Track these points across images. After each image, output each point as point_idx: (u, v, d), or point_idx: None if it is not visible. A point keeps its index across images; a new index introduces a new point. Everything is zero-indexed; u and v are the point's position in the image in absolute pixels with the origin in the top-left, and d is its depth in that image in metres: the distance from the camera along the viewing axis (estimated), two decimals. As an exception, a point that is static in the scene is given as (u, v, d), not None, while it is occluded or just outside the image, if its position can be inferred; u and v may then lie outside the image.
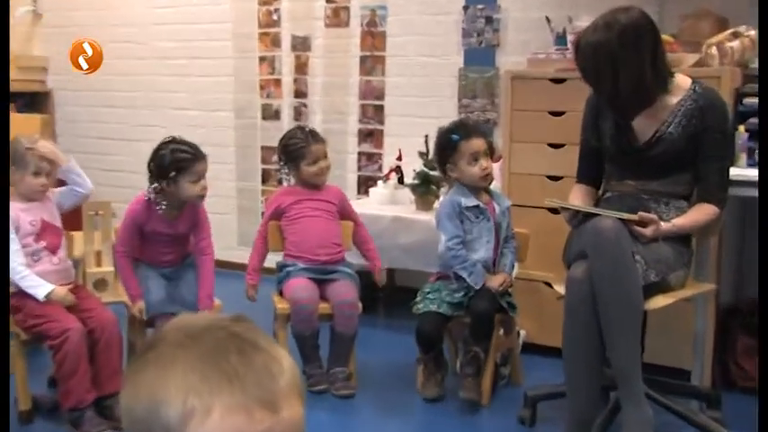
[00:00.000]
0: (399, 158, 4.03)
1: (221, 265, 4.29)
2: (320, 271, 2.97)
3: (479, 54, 3.95)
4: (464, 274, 2.71)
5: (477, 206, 2.72)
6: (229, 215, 4.86)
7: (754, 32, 2.90)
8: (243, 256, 4.85)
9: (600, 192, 2.73)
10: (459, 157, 2.72)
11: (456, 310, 2.73)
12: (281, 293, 2.99)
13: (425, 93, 4.17)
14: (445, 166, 2.78)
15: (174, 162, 2.71)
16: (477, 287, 2.69)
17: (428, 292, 2.78)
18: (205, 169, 2.80)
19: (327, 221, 3.04)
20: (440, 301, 2.72)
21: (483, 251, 2.73)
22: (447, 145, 2.76)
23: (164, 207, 2.75)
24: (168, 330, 0.83)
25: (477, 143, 2.73)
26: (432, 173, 3.62)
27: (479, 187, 2.75)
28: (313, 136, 3.03)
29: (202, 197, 2.80)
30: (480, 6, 3.93)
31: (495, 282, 2.70)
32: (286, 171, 3.08)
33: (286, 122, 4.60)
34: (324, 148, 3.05)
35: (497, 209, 2.75)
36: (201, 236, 2.88)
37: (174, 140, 2.80)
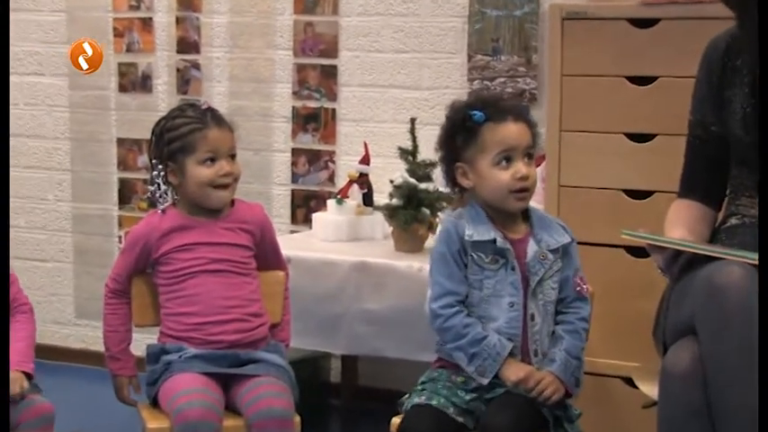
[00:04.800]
0: (366, 161, 4.04)
1: (48, 352, 4.27)
2: (225, 360, 2.94)
3: (505, -23, 4.01)
4: (461, 360, 2.70)
5: (494, 242, 2.72)
6: (62, 264, 4.84)
7: None
8: (86, 336, 4.90)
9: (720, 216, 2.75)
10: (481, 153, 2.72)
11: (463, 416, 2.72)
12: (154, 401, 2.97)
13: (410, 45, 4.20)
14: (454, 165, 2.78)
15: None
16: (486, 381, 2.68)
17: (422, 383, 2.78)
18: None
19: (231, 278, 3.03)
20: (433, 394, 2.71)
21: (503, 319, 2.72)
22: (462, 128, 2.76)
23: None
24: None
25: (515, 131, 2.72)
26: (423, 185, 3.63)
27: (508, 210, 2.76)
28: (213, 117, 3.03)
29: None
30: None
31: (511, 372, 2.68)
32: (162, 181, 3.06)
33: (162, 97, 4.59)
34: (230, 139, 3.03)
35: (532, 249, 2.75)
36: None
37: None
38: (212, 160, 2.97)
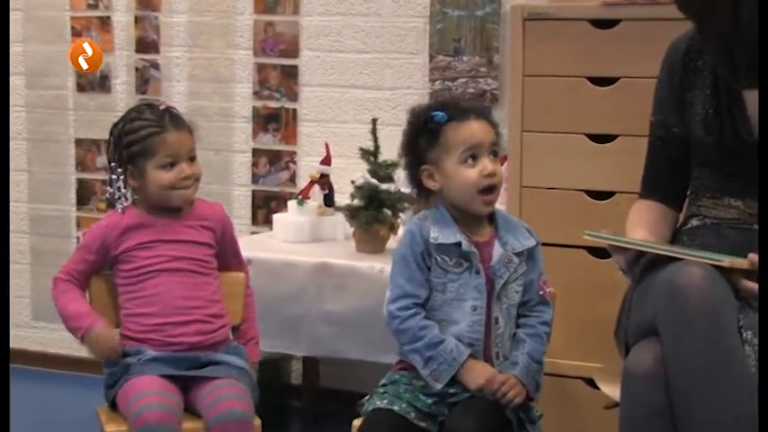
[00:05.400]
0: (327, 161, 4.04)
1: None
2: (185, 362, 2.93)
3: (466, -23, 4.02)
4: (417, 363, 2.70)
5: (459, 245, 2.72)
6: (19, 266, 4.80)
7: None
8: (43, 338, 4.87)
9: (681, 217, 2.77)
10: (446, 152, 2.72)
11: (425, 420, 2.71)
12: (112, 404, 2.95)
13: (372, 45, 4.21)
14: (419, 169, 2.78)
15: None
16: (439, 386, 2.68)
17: (383, 385, 2.77)
18: None
19: (191, 277, 3.03)
20: (395, 398, 2.70)
21: (465, 323, 2.72)
22: (424, 131, 2.75)
23: None
24: None
25: (479, 129, 2.73)
26: (384, 186, 3.63)
27: (475, 213, 2.76)
28: (172, 119, 3.02)
29: None
30: None
31: (473, 377, 2.68)
32: (121, 185, 3.05)
33: (121, 97, 4.57)
34: (189, 141, 3.03)
35: (497, 252, 2.75)
36: None
37: None
38: (172, 164, 2.97)
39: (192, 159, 3.02)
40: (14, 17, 4.65)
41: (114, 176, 3.02)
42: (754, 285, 2.39)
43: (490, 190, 2.69)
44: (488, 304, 2.70)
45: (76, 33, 4.60)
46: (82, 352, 4.58)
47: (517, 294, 2.75)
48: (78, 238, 4.60)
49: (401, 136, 2.81)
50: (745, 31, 2.40)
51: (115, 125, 3.07)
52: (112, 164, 3.04)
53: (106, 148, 3.12)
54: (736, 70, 2.51)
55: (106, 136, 3.12)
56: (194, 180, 3.02)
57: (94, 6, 4.58)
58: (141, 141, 2.97)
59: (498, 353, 2.72)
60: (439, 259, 2.70)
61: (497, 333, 2.72)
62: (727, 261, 2.36)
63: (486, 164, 2.68)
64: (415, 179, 2.79)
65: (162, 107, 3.05)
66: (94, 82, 4.61)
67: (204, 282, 3.04)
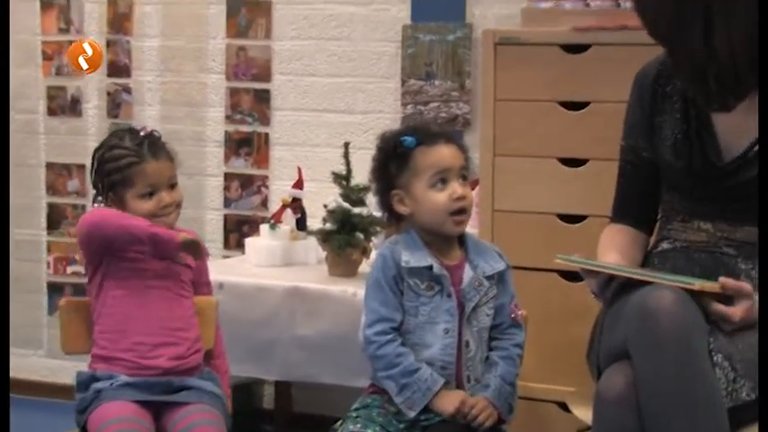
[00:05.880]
0: (299, 185, 4.04)
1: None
2: (158, 387, 2.91)
3: (439, 1, 4.03)
4: (391, 390, 2.70)
5: (430, 269, 2.72)
6: (-13, 288, 4.77)
7: None
8: (12, 364, 4.83)
9: (652, 240, 2.79)
10: (415, 177, 2.73)
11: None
12: (83, 430, 2.92)
13: (344, 70, 4.22)
14: (390, 194, 2.79)
15: None
16: (412, 414, 2.69)
17: (356, 410, 2.77)
18: None
19: (174, 298, 3.02)
20: (368, 422, 2.70)
21: (438, 346, 2.73)
22: (394, 156, 2.76)
23: None
24: None
25: (448, 153, 2.74)
26: (356, 210, 3.63)
27: (447, 234, 2.77)
28: (151, 146, 3.00)
29: None
30: None
31: (445, 404, 2.69)
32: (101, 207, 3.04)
33: (92, 121, 4.56)
34: (169, 169, 3.02)
35: (467, 275, 2.76)
36: None
37: None
38: (151, 194, 2.96)
39: (172, 186, 3.01)
40: (-16, 41, 4.65)
41: (95, 205, 3.02)
42: (724, 308, 2.41)
43: (461, 212, 2.70)
44: (459, 327, 2.71)
45: (48, 57, 4.60)
46: (51, 377, 4.58)
47: (488, 318, 2.75)
48: (48, 262, 4.59)
49: (371, 161, 2.82)
50: (717, 56, 2.43)
51: (97, 149, 3.06)
52: (97, 190, 3.03)
53: (90, 173, 3.11)
54: (707, 94, 2.53)
55: (77, 160, 3.11)
56: (175, 207, 3.01)
57: (66, 30, 4.58)
58: (120, 171, 2.95)
59: (469, 376, 2.72)
60: (411, 283, 2.70)
61: (468, 356, 2.72)
62: (697, 284, 2.38)
63: (456, 187, 2.69)
64: (385, 204, 2.80)
65: (142, 133, 3.04)
66: (65, 106, 4.60)
67: (184, 304, 3.02)
